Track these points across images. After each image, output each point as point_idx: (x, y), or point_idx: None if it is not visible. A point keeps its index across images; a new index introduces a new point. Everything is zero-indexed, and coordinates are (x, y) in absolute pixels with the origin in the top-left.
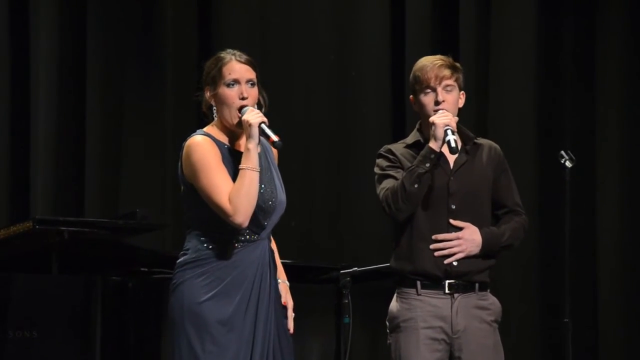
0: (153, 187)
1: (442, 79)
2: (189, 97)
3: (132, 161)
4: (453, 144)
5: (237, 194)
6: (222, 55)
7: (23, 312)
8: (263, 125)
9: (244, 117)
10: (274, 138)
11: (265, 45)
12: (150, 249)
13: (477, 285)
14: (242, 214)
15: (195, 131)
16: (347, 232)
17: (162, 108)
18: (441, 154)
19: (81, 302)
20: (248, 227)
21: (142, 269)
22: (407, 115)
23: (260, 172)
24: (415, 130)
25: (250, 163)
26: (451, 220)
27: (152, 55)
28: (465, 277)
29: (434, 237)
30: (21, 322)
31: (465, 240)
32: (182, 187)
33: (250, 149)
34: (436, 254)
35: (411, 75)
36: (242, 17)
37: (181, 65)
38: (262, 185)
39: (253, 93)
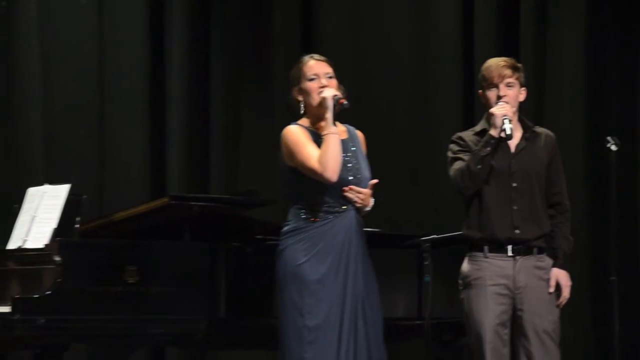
0: (266, 169)
1: (504, 77)
2: (290, 94)
3: (249, 148)
4: (508, 132)
5: (323, 155)
6: (301, 58)
7: (163, 272)
8: (336, 96)
9: (321, 95)
10: (343, 101)
11: (356, 45)
12: (264, 219)
13: (535, 249)
14: (329, 170)
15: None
16: (427, 206)
17: (272, 104)
18: (504, 140)
19: (208, 264)
20: (337, 200)
21: (258, 236)
22: (476, 108)
23: (348, 154)
24: (483, 120)
25: (330, 129)
26: (560, 305)
27: (266, 57)
28: (526, 242)
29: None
30: (162, 280)
31: (567, 285)
32: (283, 171)
33: (328, 117)
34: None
35: (480, 73)
36: (337, 22)
37: (289, 67)
38: (350, 163)
39: (332, 83)
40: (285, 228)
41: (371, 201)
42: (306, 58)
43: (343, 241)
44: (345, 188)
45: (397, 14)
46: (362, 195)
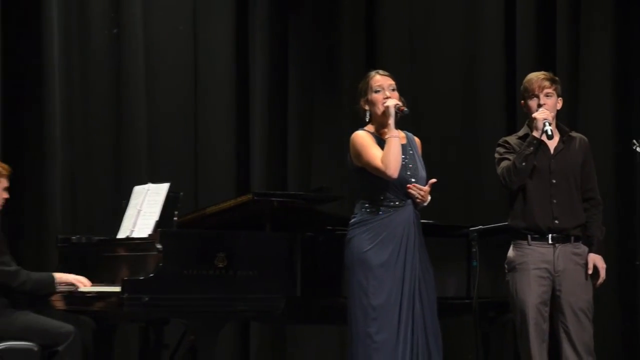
0: (335, 170)
1: (543, 88)
2: (358, 104)
3: (320, 151)
4: (549, 132)
5: (385, 155)
6: (368, 73)
7: (247, 257)
8: (398, 105)
9: (385, 104)
10: (404, 108)
11: (413, 60)
12: (333, 213)
13: (572, 237)
14: (391, 168)
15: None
16: (475, 200)
17: (339, 113)
18: (544, 143)
19: (286, 251)
20: (397, 196)
21: (328, 227)
22: (517, 115)
23: (407, 157)
24: (525, 126)
25: (392, 133)
26: (598, 285)
27: (334, 73)
28: (564, 232)
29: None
30: (246, 265)
31: (603, 267)
32: (351, 170)
33: (390, 124)
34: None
35: (522, 86)
36: (397, 41)
37: (354, 79)
38: (409, 165)
39: (394, 95)
40: (353, 220)
41: (429, 197)
42: (372, 73)
43: (403, 232)
44: (410, 185)
45: (448, 32)
46: (422, 192)
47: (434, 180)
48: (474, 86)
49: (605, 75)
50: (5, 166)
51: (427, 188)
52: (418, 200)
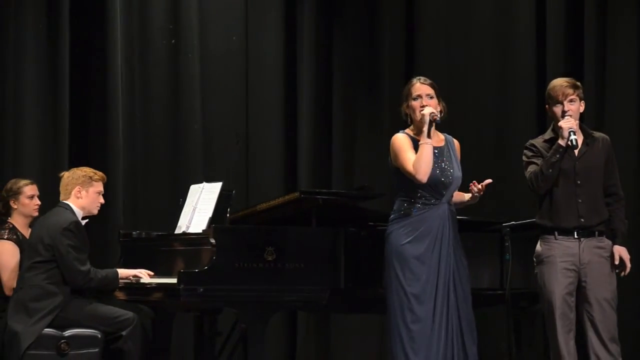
0: (375, 169)
1: (567, 95)
2: (398, 109)
3: (362, 152)
4: (574, 142)
5: (417, 160)
6: (411, 80)
7: (294, 251)
8: (433, 113)
9: (421, 112)
10: (437, 117)
11: (450, 64)
12: (374, 210)
13: (596, 232)
14: (420, 173)
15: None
16: (508, 198)
17: (380, 115)
18: (570, 148)
19: (331, 245)
20: (432, 195)
21: (370, 223)
22: (547, 115)
23: (443, 159)
24: (550, 129)
25: (425, 140)
26: (625, 274)
27: (376, 81)
28: (589, 228)
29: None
30: (293, 258)
31: (628, 258)
32: (391, 170)
33: (424, 130)
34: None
35: (546, 92)
36: (433, 48)
37: (394, 83)
38: (444, 166)
39: (431, 103)
40: (392, 216)
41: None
42: (414, 80)
43: (438, 227)
44: (476, 183)
45: (482, 39)
46: (481, 191)
47: (489, 180)
48: (506, 88)
49: (631, 77)
50: (100, 173)
51: (481, 187)
52: (471, 198)
